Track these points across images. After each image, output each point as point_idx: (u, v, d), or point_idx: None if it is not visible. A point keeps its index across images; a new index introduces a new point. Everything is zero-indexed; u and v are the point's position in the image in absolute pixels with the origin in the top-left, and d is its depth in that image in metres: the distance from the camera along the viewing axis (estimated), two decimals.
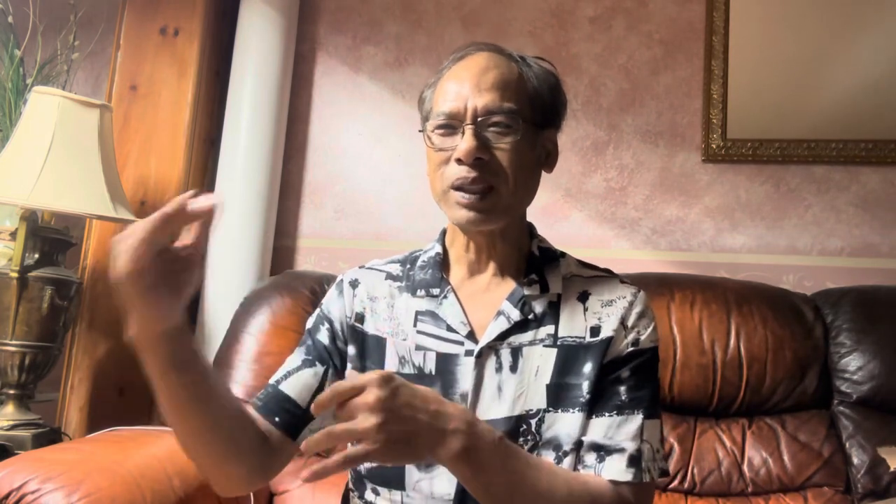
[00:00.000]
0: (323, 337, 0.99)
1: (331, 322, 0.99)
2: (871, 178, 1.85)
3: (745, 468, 1.50)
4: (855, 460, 1.48)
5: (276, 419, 0.94)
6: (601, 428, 0.89)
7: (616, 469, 0.87)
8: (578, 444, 0.90)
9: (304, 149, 2.13)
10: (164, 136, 1.95)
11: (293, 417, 0.94)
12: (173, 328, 0.78)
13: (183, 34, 1.99)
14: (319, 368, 0.97)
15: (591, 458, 0.89)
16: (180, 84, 1.97)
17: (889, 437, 1.47)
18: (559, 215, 1.97)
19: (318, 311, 1.02)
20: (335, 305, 1.00)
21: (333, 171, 2.11)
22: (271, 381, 0.97)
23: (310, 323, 1.03)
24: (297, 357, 0.99)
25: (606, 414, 0.90)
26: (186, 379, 0.82)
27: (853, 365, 1.55)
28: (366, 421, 0.70)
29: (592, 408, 0.90)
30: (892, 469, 1.35)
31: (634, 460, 0.88)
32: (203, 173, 2.04)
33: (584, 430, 0.90)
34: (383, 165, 2.07)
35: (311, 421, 0.95)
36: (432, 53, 2.10)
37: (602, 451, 0.89)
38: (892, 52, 1.85)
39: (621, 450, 0.88)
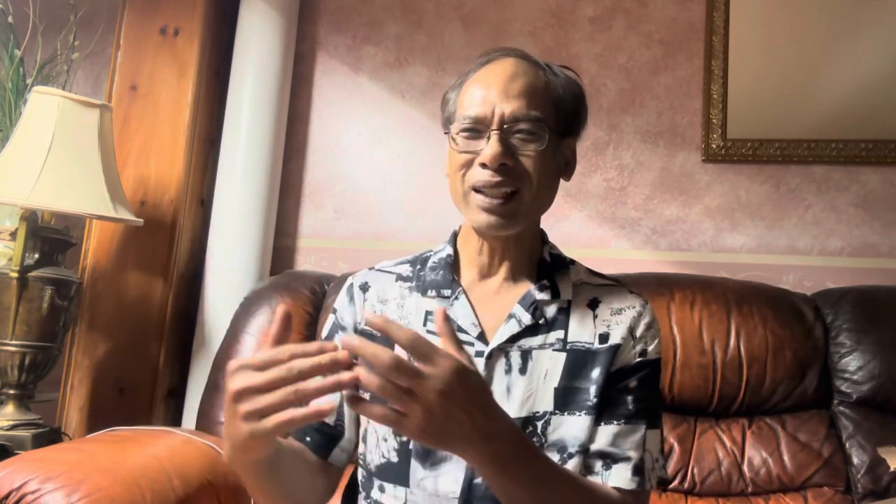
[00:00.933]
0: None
1: (344, 330, 1.00)
2: (871, 178, 1.85)
3: (745, 468, 1.50)
4: (855, 460, 1.48)
5: (308, 439, 0.96)
6: (608, 436, 0.91)
7: (622, 477, 0.90)
8: (585, 450, 0.91)
9: (304, 149, 2.13)
10: (164, 136, 1.95)
11: (322, 436, 0.96)
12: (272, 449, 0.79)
13: (183, 34, 1.99)
14: None
15: (598, 465, 0.91)
16: (180, 84, 1.97)
17: (889, 437, 1.47)
18: (559, 215, 1.96)
19: (332, 319, 1.03)
20: (347, 312, 1.01)
21: (333, 171, 2.11)
22: None
23: (325, 331, 1.04)
24: None
25: (615, 422, 0.92)
26: (278, 475, 0.85)
27: (853, 365, 1.54)
28: (417, 402, 0.68)
29: (600, 414, 0.92)
30: (892, 469, 1.35)
31: (638, 469, 0.91)
32: (203, 173, 2.04)
33: (591, 435, 0.91)
34: (383, 165, 2.07)
35: (340, 438, 0.97)
36: (432, 53, 2.10)
37: (609, 458, 0.91)
38: (892, 52, 1.85)
39: (627, 458, 0.91)
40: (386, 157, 2.08)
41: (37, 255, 1.61)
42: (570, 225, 1.96)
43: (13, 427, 1.53)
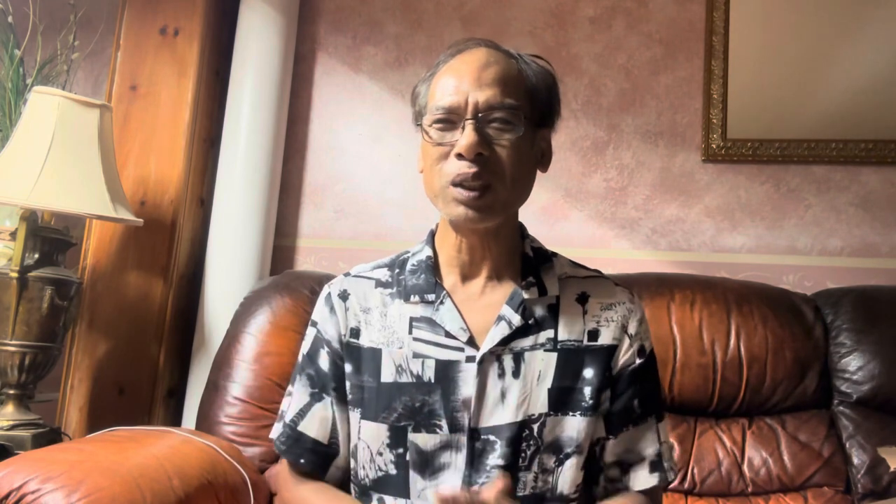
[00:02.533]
0: (324, 363, 0.97)
1: (328, 343, 0.97)
2: (871, 178, 1.85)
3: (745, 468, 1.50)
4: (855, 460, 1.48)
5: (302, 461, 0.95)
6: (623, 444, 0.93)
7: (642, 477, 0.92)
8: (593, 458, 0.93)
9: (304, 149, 2.13)
10: (164, 136, 1.95)
11: (318, 456, 0.96)
12: None
13: (183, 34, 1.99)
14: (327, 400, 0.96)
15: (615, 473, 0.93)
16: (180, 84, 1.97)
17: (889, 437, 1.46)
18: (559, 215, 1.96)
19: (313, 332, 1.00)
20: (330, 325, 0.98)
21: (333, 171, 2.11)
22: (287, 419, 0.98)
23: (306, 346, 1.00)
24: (303, 391, 0.98)
25: (625, 430, 0.93)
26: None
27: (853, 365, 1.54)
28: None
29: (610, 424, 0.93)
30: (892, 469, 1.35)
31: (656, 464, 0.92)
32: (203, 173, 2.04)
33: (602, 447, 0.93)
34: (383, 165, 2.07)
35: (336, 457, 0.96)
36: (432, 53, 2.10)
37: (625, 464, 0.93)
38: (892, 52, 1.85)
39: (642, 459, 0.92)
40: (386, 157, 2.08)
41: (37, 255, 1.61)
42: (570, 225, 1.96)
43: (13, 427, 1.52)
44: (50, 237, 1.64)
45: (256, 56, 2.01)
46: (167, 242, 1.91)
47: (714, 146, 1.91)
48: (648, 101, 1.98)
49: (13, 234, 1.66)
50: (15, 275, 1.56)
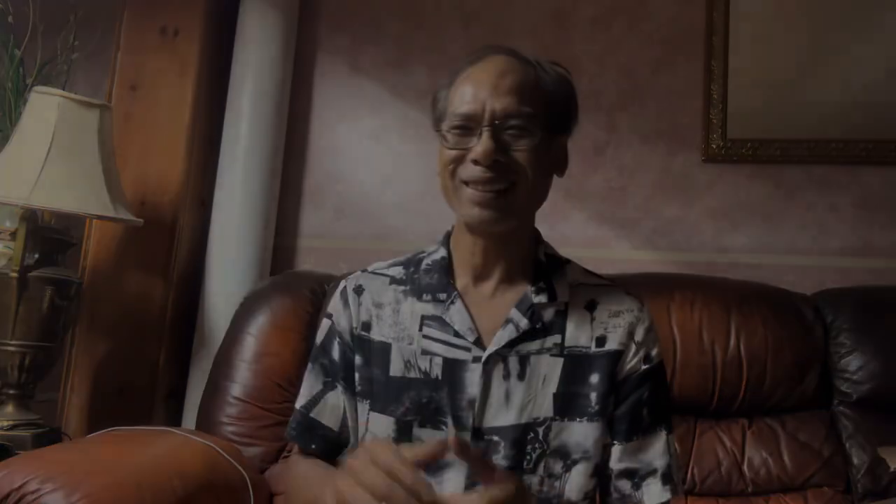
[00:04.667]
0: (336, 353, 0.99)
1: (340, 335, 0.99)
2: (871, 178, 1.85)
3: (745, 468, 1.50)
4: (855, 460, 1.48)
5: (313, 446, 0.98)
6: (631, 453, 0.92)
7: (655, 491, 0.91)
8: (594, 461, 0.92)
9: (304, 149, 2.13)
10: (164, 136, 1.95)
11: (329, 442, 0.98)
12: None
13: (183, 34, 1.99)
14: (339, 389, 0.98)
15: (626, 485, 0.92)
16: (180, 84, 1.97)
17: (889, 437, 1.46)
18: (559, 215, 1.96)
19: (328, 324, 1.02)
20: (343, 318, 1.00)
21: (333, 171, 2.11)
22: (299, 406, 1.00)
23: (320, 336, 1.03)
24: (316, 379, 1.00)
25: (635, 438, 0.93)
26: None
27: (853, 365, 1.54)
28: None
29: (615, 430, 0.93)
30: (892, 469, 1.35)
31: (667, 477, 0.92)
32: (203, 173, 2.04)
33: (607, 451, 0.93)
34: (383, 165, 2.07)
35: (346, 444, 0.98)
36: (432, 53, 2.10)
37: (635, 476, 0.92)
38: (893, 52, 1.85)
39: (653, 471, 0.92)
40: (386, 157, 2.08)
41: (37, 255, 1.61)
42: (570, 225, 1.96)
43: (13, 427, 1.53)
44: (50, 237, 1.64)
45: (256, 56, 2.01)
46: (167, 242, 1.91)
47: (714, 146, 1.91)
48: (648, 101, 1.98)
49: (13, 234, 1.66)
50: (15, 275, 1.56)
